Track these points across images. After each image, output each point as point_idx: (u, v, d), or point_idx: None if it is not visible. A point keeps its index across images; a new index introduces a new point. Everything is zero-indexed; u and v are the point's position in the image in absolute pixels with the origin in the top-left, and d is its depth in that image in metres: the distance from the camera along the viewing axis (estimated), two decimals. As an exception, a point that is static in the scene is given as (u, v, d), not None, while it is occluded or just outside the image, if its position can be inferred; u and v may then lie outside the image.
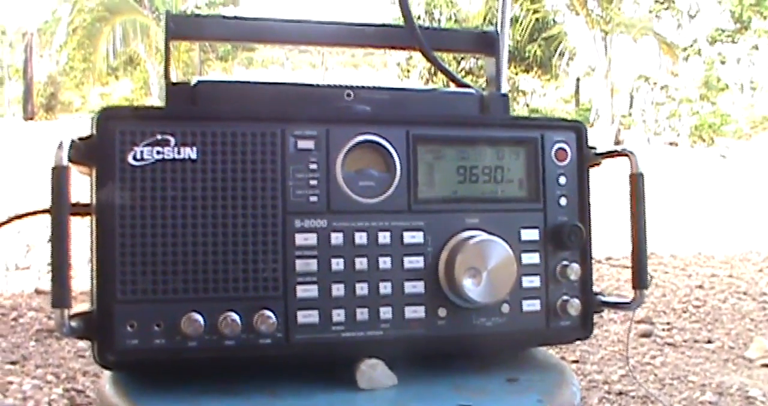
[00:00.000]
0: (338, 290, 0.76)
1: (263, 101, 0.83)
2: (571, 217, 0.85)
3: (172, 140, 0.74)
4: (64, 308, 0.68)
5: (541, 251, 0.84)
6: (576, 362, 3.01)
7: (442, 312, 0.80)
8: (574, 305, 0.84)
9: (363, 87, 0.86)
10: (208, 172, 0.74)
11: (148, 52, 20.08)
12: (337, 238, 0.77)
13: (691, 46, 20.60)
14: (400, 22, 0.97)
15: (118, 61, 21.64)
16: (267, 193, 0.75)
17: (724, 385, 2.76)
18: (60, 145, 0.69)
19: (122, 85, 24.62)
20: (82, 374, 2.73)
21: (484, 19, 17.91)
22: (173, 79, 0.85)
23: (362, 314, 0.77)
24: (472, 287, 0.77)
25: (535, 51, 19.21)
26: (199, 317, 0.72)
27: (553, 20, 19.60)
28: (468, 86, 0.98)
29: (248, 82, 0.87)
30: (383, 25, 0.98)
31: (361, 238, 0.77)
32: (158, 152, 0.73)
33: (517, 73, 19.83)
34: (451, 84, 1.01)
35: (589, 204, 0.86)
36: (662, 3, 20.00)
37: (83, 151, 0.72)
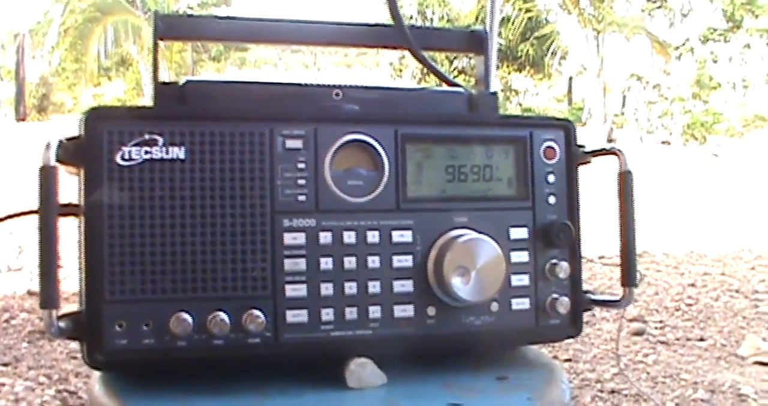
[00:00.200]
0: (327, 289, 0.76)
1: (252, 101, 0.83)
2: (560, 215, 0.85)
3: (161, 140, 0.74)
4: (52, 309, 0.68)
5: (530, 249, 0.84)
6: (569, 360, 3.01)
7: (431, 311, 0.80)
8: (564, 304, 0.84)
9: (351, 86, 0.86)
10: (196, 172, 0.74)
11: (141, 53, 20.02)
12: (325, 237, 0.77)
13: (684, 44, 20.66)
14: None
15: (110, 62, 21.58)
16: (255, 192, 0.75)
17: (716, 383, 2.76)
18: (48, 146, 0.69)
19: (115, 86, 24.56)
20: (74, 376, 2.72)
21: (476, 18, 17.91)
22: (162, 79, 0.85)
23: (351, 313, 0.77)
24: (461, 286, 0.78)
25: (528, 50, 19.25)
26: (188, 317, 0.72)
27: (546, 19, 19.64)
28: (457, 85, 0.98)
29: (237, 82, 0.87)
30: (373, 25, 0.99)
31: (349, 237, 0.78)
32: (146, 152, 0.73)
33: (509, 73, 19.87)
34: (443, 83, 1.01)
35: (578, 202, 0.87)
36: (654, 2, 20.06)
37: (71, 152, 0.72)
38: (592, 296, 0.88)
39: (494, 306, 0.82)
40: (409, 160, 0.81)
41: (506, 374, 0.82)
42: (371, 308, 0.78)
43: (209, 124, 0.75)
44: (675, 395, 2.65)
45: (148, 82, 19.79)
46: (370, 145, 0.79)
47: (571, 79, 23.14)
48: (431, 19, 19.29)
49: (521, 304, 0.83)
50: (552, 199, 0.85)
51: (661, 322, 3.66)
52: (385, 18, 0.97)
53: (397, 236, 0.79)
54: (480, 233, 0.80)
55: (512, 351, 0.91)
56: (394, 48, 1.01)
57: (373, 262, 0.78)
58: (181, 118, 0.75)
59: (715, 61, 20.67)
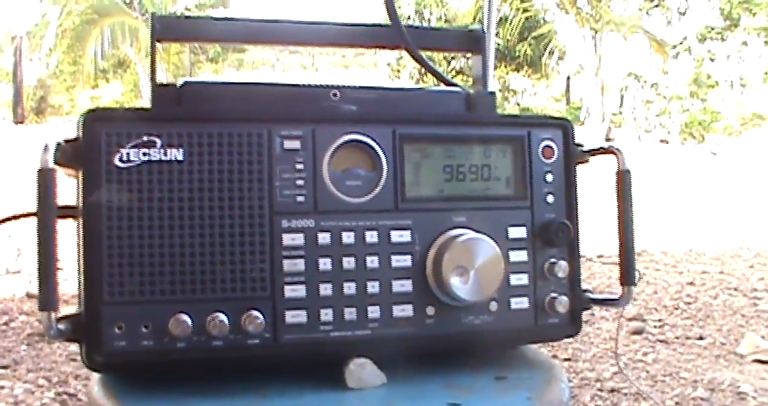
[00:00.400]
0: (326, 289, 0.76)
1: (249, 102, 0.83)
2: (558, 214, 0.85)
3: (159, 142, 0.74)
4: (51, 311, 0.68)
5: (529, 248, 0.84)
6: (568, 360, 3.02)
7: (430, 311, 0.80)
8: (563, 303, 0.84)
9: (349, 87, 0.86)
10: (194, 173, 0.74)
11: (138, 54, 20.01)
12: (324, 237, 0.77)
13: (681, 43, 20.65)
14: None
15: (107, 64, 21.56)
16: (254, 193, 0.75)
17: (715, 381, 2.77)
18: (45, 148, 0.69)
19: (113, 87, 24.53)
20: (74, 378, 2.72)
21: (474, 18, 17.91)
22: (160, 81, 0.85)
23: (350, 313, 0.77)
24: (460, 285, 0.78)
25: (525, 50, 19.24)
26: (187, 318, 0.72)
27: (543, 19, 19.63)
28: (455, 85, 0.98)
29: (234, 83, 0.86)
30: (371, 25, 0.98)
31: (348, 237, 0.78)
32: (145, 154, 0.73)
33: (507, 73, 19.87)
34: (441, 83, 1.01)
35: (576, 201, 0.87)
36: (652, 1, 20.05)
37: (69, 154, 0.72)
38: (591, 295, 0.88)
39: (493, 306, 0.82)
40: (407, 160, 0.81)
41: (505, 373, 0.82)
42: (370, 308, 0.78)
43: (207, 126, 0.75)
44: (674, 393, 2.66)
45: (145, 84, 19.80)
46: (368, 145, 0.79)
47: (568, 78, 23.14)
48: (429, 20, 19.29)
49: (520, 303, 0.83)
50: (550, 199, 0.85)
51: (660, 321, 3.66)
52: (383, 18, 0.97)
53: (396, 236, 0.79)
54: (478, 232, 0.80)
55: (511, 350, 0.91)
56: (392, 48, 1.01)
57: (372, 262, 0.78)
58: (179, 120, 0.75)
59: (712, 60, 20.67)
